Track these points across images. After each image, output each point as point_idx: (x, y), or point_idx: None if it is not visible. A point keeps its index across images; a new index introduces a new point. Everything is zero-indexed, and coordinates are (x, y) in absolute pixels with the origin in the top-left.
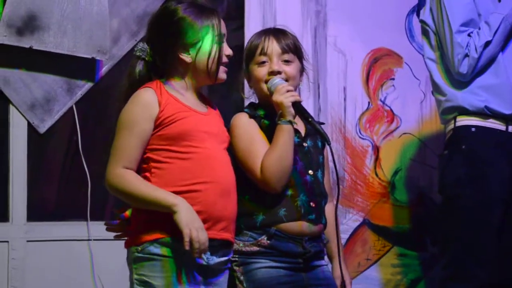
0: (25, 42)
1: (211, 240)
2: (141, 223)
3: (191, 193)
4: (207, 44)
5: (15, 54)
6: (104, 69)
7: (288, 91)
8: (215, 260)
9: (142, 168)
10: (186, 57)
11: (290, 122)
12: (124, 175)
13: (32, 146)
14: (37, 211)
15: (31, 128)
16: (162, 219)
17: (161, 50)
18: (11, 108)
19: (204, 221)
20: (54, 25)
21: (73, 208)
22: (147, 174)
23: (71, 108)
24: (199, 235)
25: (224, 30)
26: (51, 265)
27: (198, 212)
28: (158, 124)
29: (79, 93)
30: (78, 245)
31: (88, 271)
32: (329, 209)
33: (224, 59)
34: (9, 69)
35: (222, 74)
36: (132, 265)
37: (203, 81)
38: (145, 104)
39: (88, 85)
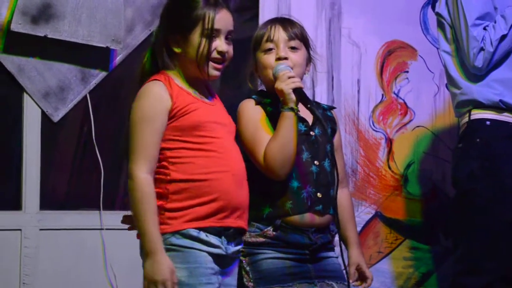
0: (40, 31)
1: (227, 228)
2: (161, 214)
3: (207, 182)
4: (196, 36)
5: (29, 43)
6: (118, 59)
7: (289, 77)
8: (231, 249)
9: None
10: (176, 49)
11: (292, 109)
12: (144, 189)
13: (46, 134)
14: (50, 200)
15: (45, 117)
16: (184, 210)
17: (157, 39)
18: (25, 96)
19: (223, 209)
20: (69, 14)
21: (85, 197)
22: (165, 163)
23: (85, 97)
24: None
25: (222, 25)
26: (63, 254)
27: (215, 200)
28: (172, 116)
29: (93, 82)
30: (91, 234)
31: (100, 260)
32: (344, 195)
33: (215, 55)
34: (23, 57)
35: (213, 71)
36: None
37: (195, 75)
38: (157, 98)
39: (102, 74)
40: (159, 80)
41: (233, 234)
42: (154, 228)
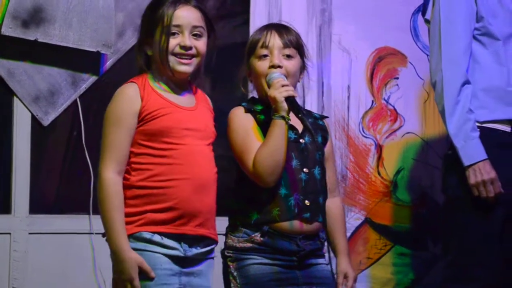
0: (31, 35)
1: (186, 235)
2: None
3: (164, 189)
4: (157, 34)
5: (20, 46)
6: (108, 63)
7: (283, 85)
8: (194, 251)
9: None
10: (149, 51)
11: (283, 117)
12: (109, 188)
13: (36, 138)
14: (40, 204)
15: (34, 121)
16: (139, 215)
17: (136, 45)
18: (15, 100)
19: (179, 217)
20: (60, 18)
21: (75, 201)
22: (127, 167)
23: (75, 101)
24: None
25: (184, 21)
26: (52, 258)
27: (172, 209)
28: (141, 119)
29: (83, 87)
30: (80, 238)
31: (90, 264)
32: (335, 204)
33: (178, 50)
34: (14, 61)
35: (179, 66)
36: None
37: (166, 74)
38: (128, 99)
39: (93, 78)
40: (135, 82)
41: (195, 240)
42: (119, 226)
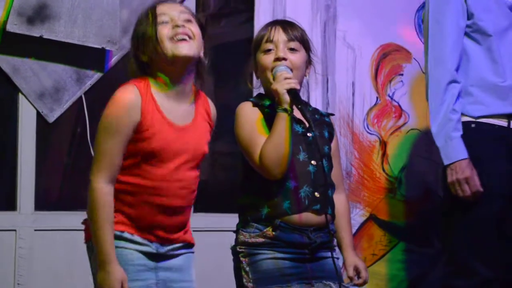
0: (36, 31)
1: (153, 239)
2: None
3: (131, 208)
4: (147, 32)
5: (25, 43)
6: (113, 60)
7: (285, 78)
8: (166, 248)
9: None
10: (143, 57)
11: (285, 110)
12: (100, 199)
13: (41, 135)
14: (45, 200)
15: (40, 117)
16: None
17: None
18: (21, 97)
19: (144, 228)
20: (65, 15)
21: (80, 198)
22: None
23: (80, 97)
24: None
25: (167, 10)
26: (58, 255)
27: (141, 224)
28: (136, 132)
29: (88, 83)
30: None
31: None
32: (340, 200)
33: (170, 33)
34: (19, 57)
35: (178, 49)
36: (91, 257)
37: (167, 67)
38: (127, 109)
39: (98, 75)
40: (137, 87)
41: (165, 240)
42: (107, 238)
